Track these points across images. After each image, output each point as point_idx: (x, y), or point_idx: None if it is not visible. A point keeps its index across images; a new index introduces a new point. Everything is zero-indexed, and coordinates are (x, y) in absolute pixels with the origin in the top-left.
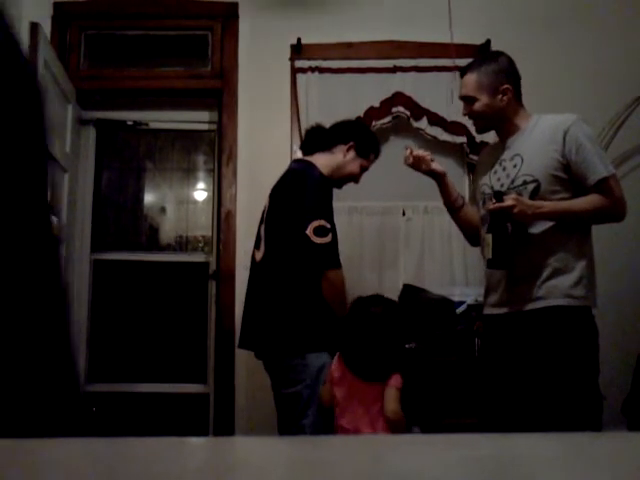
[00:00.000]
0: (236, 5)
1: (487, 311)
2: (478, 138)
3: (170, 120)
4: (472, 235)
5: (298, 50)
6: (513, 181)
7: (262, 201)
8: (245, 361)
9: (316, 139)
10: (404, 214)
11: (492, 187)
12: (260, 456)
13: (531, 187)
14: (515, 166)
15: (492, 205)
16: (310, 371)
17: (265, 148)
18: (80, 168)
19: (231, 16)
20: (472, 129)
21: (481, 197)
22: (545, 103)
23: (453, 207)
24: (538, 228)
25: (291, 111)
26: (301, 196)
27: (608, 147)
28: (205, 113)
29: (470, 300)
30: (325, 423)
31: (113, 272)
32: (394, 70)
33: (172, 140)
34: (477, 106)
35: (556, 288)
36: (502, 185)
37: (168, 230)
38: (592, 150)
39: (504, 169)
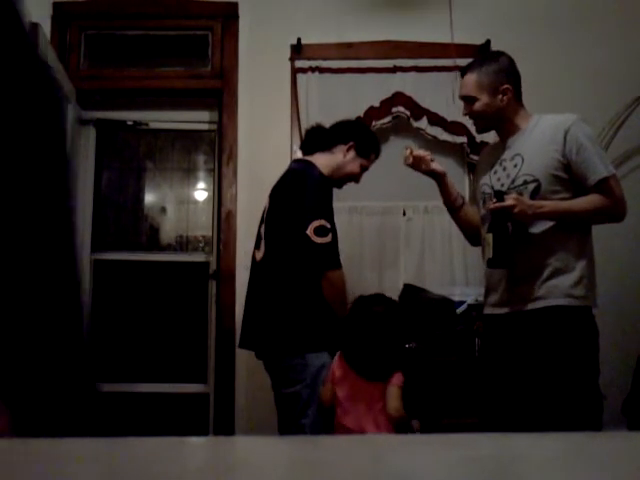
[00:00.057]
0: (236, 5)
1: (487, 311)
2: (478, 138)
3: (170, 120)
4: (472, 235)
5: (298, 50)
6: (513, 181)
7: (262, 201)
8: (245, 361)
9: (316, 139)
10: (404, 214)
11: (492, 187)
12: (260, 456)
13: (531, 187)
14: (515, 166)
15: (493, 205)
16: (310, 371)
17: (265, 148)
18: (80, 168)
19: (231, 16)
20: (472, 129)
21: (481, 197)
22: (545, 103)
23: (453, 207)
24: (538, 228)
25: (291, 111)
26: (301, 196)
27: (608, 147)
28: (205, 113)
29: (470, 300)
30: (325, 423)
31: (113, 272)
32: (394, 70)
33: (172, 140)
34: (477, 106)
35: (556, 288)
36: (502, 185)
37: (168, 230)
38: (592, 150)
39: (504, 169)
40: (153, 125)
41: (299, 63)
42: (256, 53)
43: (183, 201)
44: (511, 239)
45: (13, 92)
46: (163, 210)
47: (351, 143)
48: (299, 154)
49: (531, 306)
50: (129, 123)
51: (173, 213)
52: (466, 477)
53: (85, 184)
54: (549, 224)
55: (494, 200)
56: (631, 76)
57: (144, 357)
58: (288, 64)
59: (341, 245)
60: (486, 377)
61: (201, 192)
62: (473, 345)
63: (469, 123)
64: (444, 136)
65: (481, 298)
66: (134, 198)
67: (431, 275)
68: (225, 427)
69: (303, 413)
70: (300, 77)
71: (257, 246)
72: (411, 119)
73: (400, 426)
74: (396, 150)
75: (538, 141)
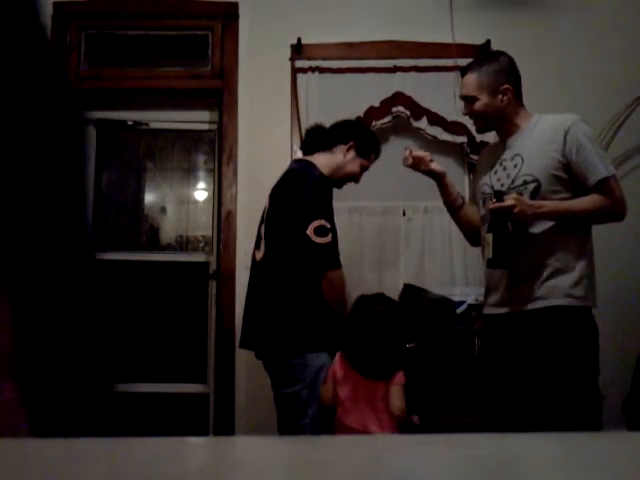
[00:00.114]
0: (236, 5)
1: (487, 311)
2: (478, 138)
3: (170, 120)
4: (472, 235)
5: (298, 50)
6: (513, 181)
7: (262, 201)
8: (245, 361)
9: (316, 139)
10: (404, 214)
11: (492, 187)
12: (260, 456)
13: (531, 187)
14: (515, 166)
15: (492, 205)
16: (310, 371)
17: (265, 148)
18: None
19: (231, 16)
20: (472, 129)
21: (481, 197)
22: (545, 103)
23: (453, 207)
24: (538, 228)
25: (291, 111)
26: (301, 196)
27: (608, 147)
28: (205, 113)
29: (470, 300)
30: (325, 423)
31: (113, 272)
32: (394, 70)
33: (172, 140)
34: (477, 106)
35: (556, 288)
36: (502, 185)
37: (168, 230)
38: (592, 150)
39: (504, 169)
40: (153, 125)
41: (299, 63)
42: (256, 53)
43: (183, 201)
44: (511, 239)
45: (40, 112)
46: (163, 210)
47: (351, 143)
48: (299, 154)
49: (531, 306)
50: (129, 123)
51: (173, 213)
52: (466, 477)
53: None
54: (549, 224)
55: (494, 200)
56: (631, 76)
57: (144, 357)
58: (288, 64)
59: (341, 245)
60: (486, 377)
61: (201, 192)
62: (473, 345)
63: (469, 123)
64: (444, 136)
65: (481, 298)
66: (134, 198)
67: (431, 275)
68: (225, 427)
69: (303, 413)
70: (300, 77)
71: (257, 246)
72: (411, 119)
73: (404, 426)
74: (396, 150)
75: (538, 141)
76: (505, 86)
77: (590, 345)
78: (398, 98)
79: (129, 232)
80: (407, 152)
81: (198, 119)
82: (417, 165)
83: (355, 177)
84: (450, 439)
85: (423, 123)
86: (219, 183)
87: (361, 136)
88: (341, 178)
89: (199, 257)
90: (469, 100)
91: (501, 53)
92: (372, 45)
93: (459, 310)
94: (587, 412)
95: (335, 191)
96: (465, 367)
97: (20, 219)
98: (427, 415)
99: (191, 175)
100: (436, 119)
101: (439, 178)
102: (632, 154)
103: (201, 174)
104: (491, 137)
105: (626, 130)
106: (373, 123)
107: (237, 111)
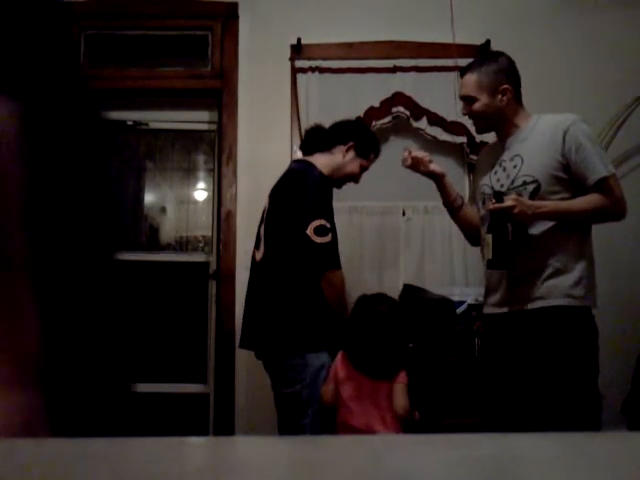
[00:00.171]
0: (236, 5)
1: (487, 310)
2: (478, 138)
3: (170, 120)
4: (472, 235)
5: (298, 50)
6: (513, 181)
7: (262, 201)
8: (245, 361)
9: (316, 139)
10: (404, 214)
11: (492, 187)
12: (260, 456)
13: (531, 187)
14: (515, 166)
15: (492, 205)
16: (310, 371)
17: (265, 148)
18: None
19: (231, 16)
20: (472, 129)
21: (481, 197)
22: (545, 103)
23: (452, 207)
24: (538, 228)
25: (291, 111)
26: (301, 196)
27: (608, 147)
28: (205, 113)
29: (470, 300)
30: (325, 423)
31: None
32: (394, 70)
33: (172, 140)
34: (477, 106)
35: (556, 288)
36: (502, 185)
37: (168, 230)
38: (592, 150)
39: (504, 169)
40: (153, 125)
41: (299, 63)
42: (256, 53)
43: (183, 201)
44: (511, 240)
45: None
46: (163, 210)
47: (351, 143)
48: (299, 154)
49: (531, 306)
50: (129, 123)
51: (173, 213)
52: (466, 477)
53: None
54: (549, 224)
55: (494, 201)
56: (631, 76)
57: (144, 357)
58: (288, 64)
59: (341, 245)
60: (486, 377)
61: (201, 192)
62: (473, 345)
63: (469, 123)
64: (444, 136)
65: (481, 298)
66: (134, 198)
67: (431, 275)
68: (225, 427)
69: (303, 413)
70: (300, 77)
71: (257, 246)
72: (411, 119)
73: (407, 425)
74: (396, 150)
75: (537, 141)
76: (504, 86)
77: (590, 345)
78: (398, 98)
79: (129, 232)
80: (406, 153)
81: (198, 119)
82: (416, 166)
83: (355, 177)
84: (450, 439)
85: (423, 123)
86: (219, 183)
87: (361, 136)
88: (341, 178)
89: (199, 257)
90: (469, 100)
91: (501, 53)
92: (372, 45)
93: (459, 310)
94: (587, 412)
95: (335, 191)
96: (465, 367)
97: (48, 221)
98: (427, 415)
99: (191, 175)
100: (436, 119)
101: (438, 179)
102: (632, 154)
103: (201, 174)
104: (491, 137)
105: (626, 130)
106: (373, 123)
107: (237, 111)
